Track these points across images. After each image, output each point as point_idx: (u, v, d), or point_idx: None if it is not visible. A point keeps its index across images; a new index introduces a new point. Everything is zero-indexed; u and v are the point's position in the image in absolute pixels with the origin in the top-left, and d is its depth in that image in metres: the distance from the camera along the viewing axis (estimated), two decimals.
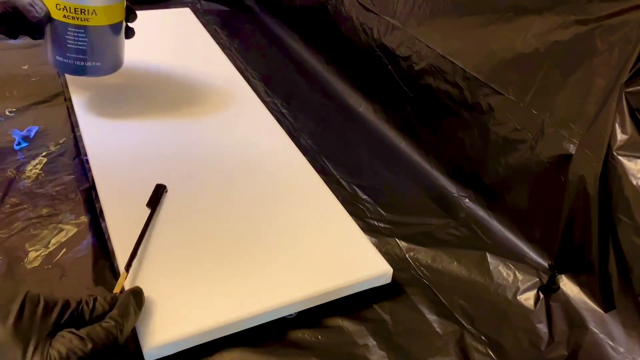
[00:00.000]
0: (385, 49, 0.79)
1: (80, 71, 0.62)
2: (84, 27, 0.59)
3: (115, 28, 0.62)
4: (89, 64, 0.62)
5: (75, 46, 0.60)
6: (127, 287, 0.49)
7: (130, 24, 0.65)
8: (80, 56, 0.61)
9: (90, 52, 0.61)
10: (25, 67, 0.83)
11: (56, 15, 0.58)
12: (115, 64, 0.65)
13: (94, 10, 0.59)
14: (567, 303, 0.55)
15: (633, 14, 0.51)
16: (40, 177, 0.64)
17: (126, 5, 0.63)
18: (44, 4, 0.58)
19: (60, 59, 0.61)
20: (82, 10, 0.58)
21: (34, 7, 0.57)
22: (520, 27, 0.61)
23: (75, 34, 0.59)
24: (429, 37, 0.72)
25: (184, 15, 1.00)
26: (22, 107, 0.75)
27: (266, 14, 1.12)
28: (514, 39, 0.61)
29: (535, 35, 0.59)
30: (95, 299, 0.43)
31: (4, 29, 0.62)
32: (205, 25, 0.98)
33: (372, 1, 0.82)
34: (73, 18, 0.58)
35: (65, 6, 0.58)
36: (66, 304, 0.41)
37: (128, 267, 0.50)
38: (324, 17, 0.93)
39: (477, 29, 0.66)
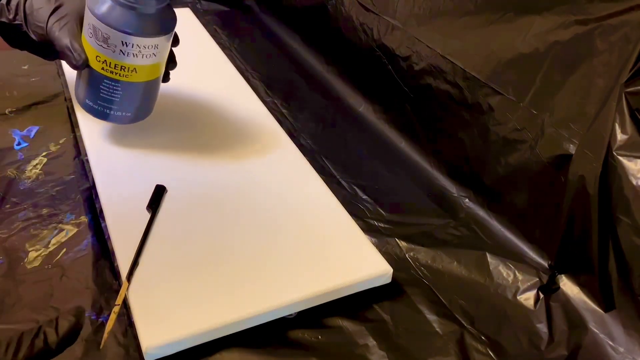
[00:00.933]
0: (385, 49, 0.79)
1: (108, 118, 0.60)
2: (121, 82, 0.57)
3: (153, 83, 0.60)
4: (118, 113, 0.59)
5: (108, 96, 0.58)
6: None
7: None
8: (112, 106, 0.59)
9: (122, 103, 0.59)
10: (25, 67, 0.83)
11: (94, 65, 0.56)
12: (146, 113, 0.62)
13: (134, 69, 0.56)
14: (567, 303, 0.55)
15: (633, 14, 0.51)
16: (40, 177, 0.64)
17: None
18: (83, 51, 0.55)
19: (90, 103, 0.59)
20: (123, 67, 0.56)
21: (72, 53, 0.55)
22: (520, 27, 0.61)
23: (111, 87, 0.57)
24: (429, 37, 0.72)
25: (184, 15, 1.00)
26: (22, 107, 0.75)
27: (266, 14, 1.12)
28: (514, 39, 0.61)
29: (535, 35, 0.59)
30: (57, 319, 0.42)
31: (40, 53, 0.61)
32: (205, 25, 0.98)
33: (372, 1, 0.82)
34: (111, 72, 0.56)
35: (105, 60, 0.55)
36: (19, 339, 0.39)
37: (130, 276, 0.50)
38: (324, 17, 0.93)
39: (477, 29, 0.66)
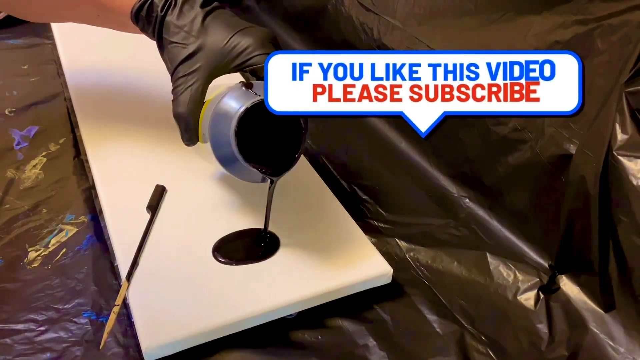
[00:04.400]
0: (385, 48, 0.79)
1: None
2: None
3: None
4: None
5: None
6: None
7: None
8: None
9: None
10: (25, 67, 0.83)
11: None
12: None
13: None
14: (567, 303, 0.55)
15: (633, 14, 0.51)
16: (40, 177, 0.64)
17: None
18: (195, 136, 0.51)
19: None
20: None
21: (183, 131, 0.51)
22: (520, 27, 0.61)
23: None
24: (429, 37, 0.72)
25: None
26: (22, 107, 0.75)
27: (266, 14, 1.12)
28: (514, 39, 0.61)
29: (535, 35, 0.59)
30: None
31: None
32: None
33: (372, 1, 0.82)
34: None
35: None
36: None
37: (130, 276, 0.50)
38: (324, 17, 0.92)
39: (477, 29, 0.66)
